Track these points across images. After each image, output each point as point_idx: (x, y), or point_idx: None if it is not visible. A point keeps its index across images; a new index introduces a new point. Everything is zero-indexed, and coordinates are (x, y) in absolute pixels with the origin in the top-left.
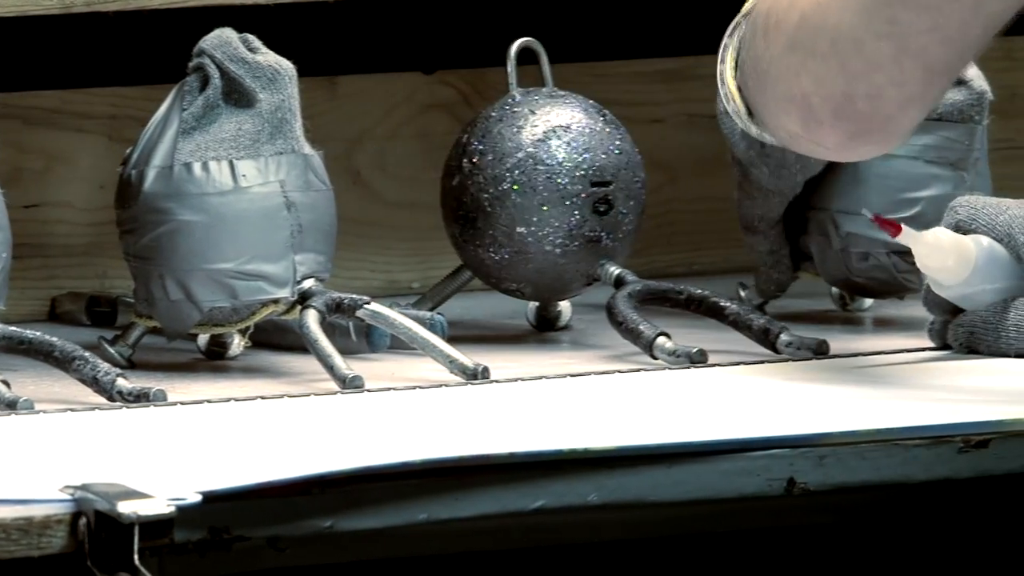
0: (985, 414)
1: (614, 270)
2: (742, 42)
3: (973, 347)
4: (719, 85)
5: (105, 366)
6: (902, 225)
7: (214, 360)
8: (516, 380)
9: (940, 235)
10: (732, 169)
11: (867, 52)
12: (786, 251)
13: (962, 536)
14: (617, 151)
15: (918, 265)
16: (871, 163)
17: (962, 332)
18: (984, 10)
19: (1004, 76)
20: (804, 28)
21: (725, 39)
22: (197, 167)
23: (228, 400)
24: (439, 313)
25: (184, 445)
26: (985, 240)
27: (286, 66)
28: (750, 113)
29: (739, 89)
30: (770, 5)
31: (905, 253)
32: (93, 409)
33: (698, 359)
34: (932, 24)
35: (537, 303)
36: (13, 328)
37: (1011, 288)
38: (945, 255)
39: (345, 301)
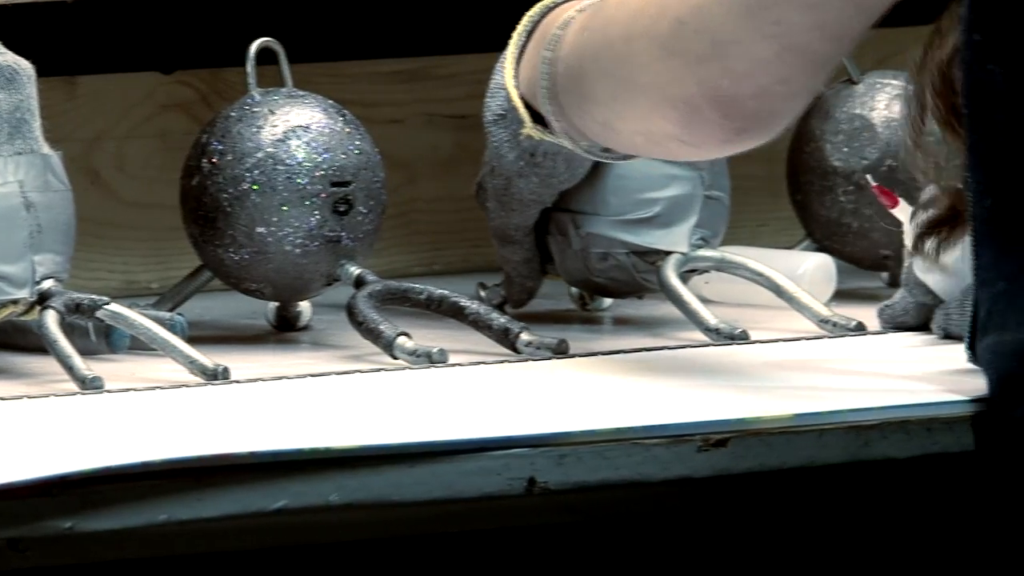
0: (724, 413)
1: (354, 270)
2: (567, 53)
3: (949, 332)
4: (491, 96)
5: None
6: (899, 199)
7: None
8: (256, 380)
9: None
10: (487, 181)
11: (752, 53)
12: (538, 258)
13: (701, 535)
14: (357, 151)
15: (907, 243)
16: (611, 164)
17: (942, 317)
18: (865, 5)
19: None
20: (682, 33)
21: (511, 51)
22: None
23: None
24: (179, 313)
25: None
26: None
27: (24, 66)
28: (537, 120)
29: (523, 98)
30: (628, 15)
31: (644, 253)
32: None
33: (438, 359)
34: (815, 22)
35: (277, 303)
36: None
37: None
38: None
39: (84, 302)
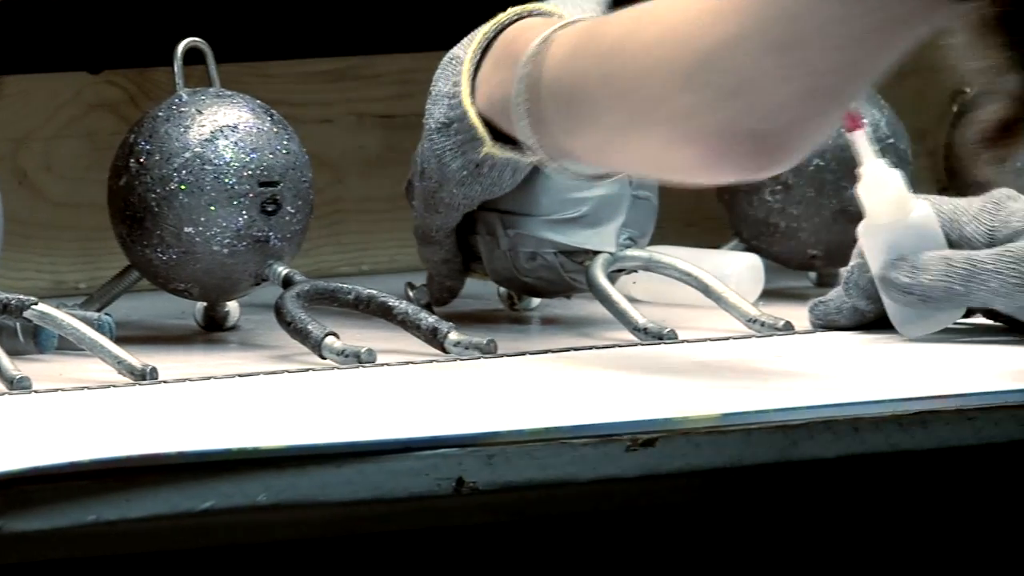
0: (652, 413)
1: (282, 270)
2: (556, 73)
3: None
4: (434, 104)
5: None
6: (864, 123)
7: None
8: (184, 380)
9: (888, 166)
10: (416, 181)
11: (778, 91)
12: (459, 258)
13: (628, 534)
14: (285, 151)
15: (857, 190)
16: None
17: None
18: (892, 46)
19: None
20: (707, 68)
21: (466, 68)
22: None
23: None
24: (107, 313)
25: None
26: (927, 205)
27: None
28: (497, 138)
29: (481, 115)
30: (642, 45)
31: (572, 253)
32: None
33: (367, 359)
34: (842, 63)
35: (205, 303)
36: None
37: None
38: (886, 186)
39: (12, 302)
